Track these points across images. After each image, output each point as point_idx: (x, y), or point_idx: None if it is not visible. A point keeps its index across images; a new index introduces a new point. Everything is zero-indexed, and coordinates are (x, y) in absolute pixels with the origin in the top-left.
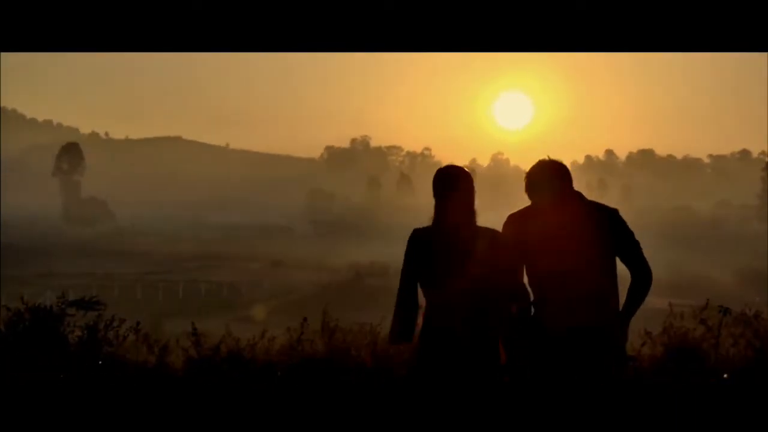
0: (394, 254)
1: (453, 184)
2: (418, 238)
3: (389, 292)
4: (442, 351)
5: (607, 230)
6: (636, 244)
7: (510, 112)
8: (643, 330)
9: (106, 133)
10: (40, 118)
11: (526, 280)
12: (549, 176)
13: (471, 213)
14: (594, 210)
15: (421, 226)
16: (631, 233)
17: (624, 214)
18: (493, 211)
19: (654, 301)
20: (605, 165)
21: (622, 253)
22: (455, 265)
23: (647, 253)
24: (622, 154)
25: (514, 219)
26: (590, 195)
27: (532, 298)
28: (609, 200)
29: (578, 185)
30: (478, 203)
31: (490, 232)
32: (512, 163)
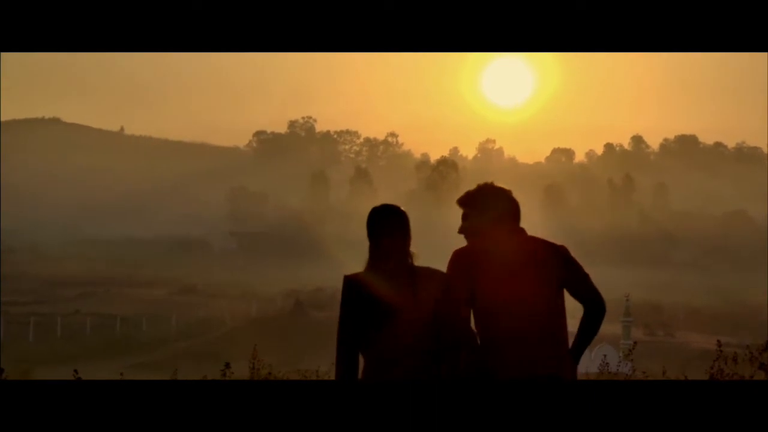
0: None
1: (388, 227)
2: (354, 288)
3: None
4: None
5: (556, 268)
6: (586, 276)
7: (503, 84)
8: (682, 377)
9: None
10: None
11: (473, 322)
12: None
13: (407, 254)
14: (542, 247)
15: (351, 273)
16: (580, 267)
17: (659, 221)
18: None
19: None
20: (632, 156)
21: (573, 289)
22: (395, 318)
23: (689, 273)
24: (654, 141)
25: (461, 256)
26: (614, 196)
27: (479, 342)
28: (639, 203)
29: (596, 183)
30: (457, 214)
31: (429, 272)
32: (507, 153)
